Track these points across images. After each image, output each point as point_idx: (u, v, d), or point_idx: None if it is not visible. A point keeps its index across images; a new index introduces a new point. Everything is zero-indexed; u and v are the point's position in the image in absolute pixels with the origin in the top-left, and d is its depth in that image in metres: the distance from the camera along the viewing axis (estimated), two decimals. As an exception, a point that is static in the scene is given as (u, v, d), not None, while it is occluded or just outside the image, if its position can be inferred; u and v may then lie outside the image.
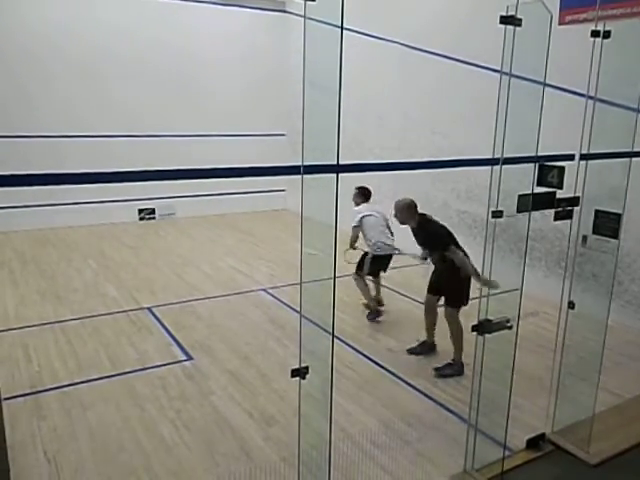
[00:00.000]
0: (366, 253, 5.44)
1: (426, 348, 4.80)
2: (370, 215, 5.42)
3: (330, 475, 2.70)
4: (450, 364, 4.45)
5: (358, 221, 5.38)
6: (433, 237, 4.47)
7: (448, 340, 4.47)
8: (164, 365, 4.52)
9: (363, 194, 5.58)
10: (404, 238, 5.06)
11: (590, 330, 3.55)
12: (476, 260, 3.31)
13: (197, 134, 10.03)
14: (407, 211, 4.51)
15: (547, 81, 2.90)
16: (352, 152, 8.22)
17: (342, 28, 2.17)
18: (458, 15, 7.17)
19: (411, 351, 4.80)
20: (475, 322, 3.05)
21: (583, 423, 3.53)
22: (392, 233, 5.50)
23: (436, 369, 4.45)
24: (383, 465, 3.32)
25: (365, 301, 5.66)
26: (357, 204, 5.53)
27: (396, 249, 5.43)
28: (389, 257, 5.49)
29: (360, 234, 5.43)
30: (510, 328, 3.06)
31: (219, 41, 10.15)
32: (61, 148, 8.89)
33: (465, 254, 4.38)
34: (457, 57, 7.15)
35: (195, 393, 4.10)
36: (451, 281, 4.40)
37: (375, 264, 5.44)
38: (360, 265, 5.47)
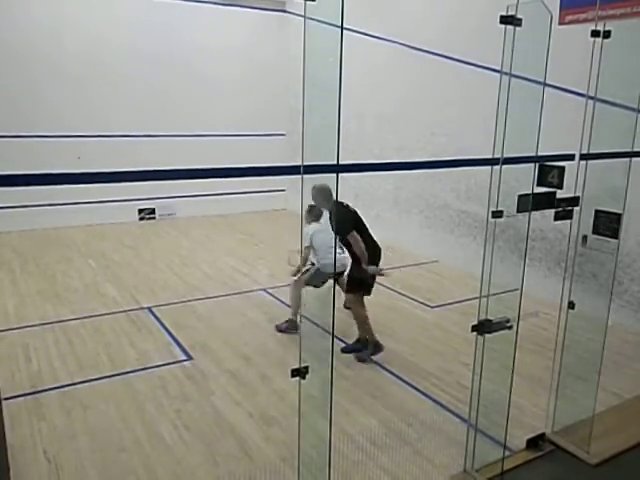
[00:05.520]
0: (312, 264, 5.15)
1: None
2: (320, 232, 4.95)
3: (330, 475, 2.70)
4: (357, 341, 4.77)
5: (309, 240, 4.98)
6: (338, 222, 4.50)
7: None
8: (164, 365, 4.52)
9: (314, 213, 5.08)
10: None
11: (590, 330, 3.54)
12: (476, 260, 3.30)
13: (197, 134, 10.03)
14: (320, 195, 4.54)
15: (547, 81, 2.90)
16: (353, 153, 8.23)
17: (342, 28, 2.17)
18: (458, 15, 7.17)
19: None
20: (475, 322, 3.05)
21: (583, 423, 3.53)
22: (343, 249, 4.96)
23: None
24: (383, 465, 3.32)
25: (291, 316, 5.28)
26: (308, 223, 5.08)
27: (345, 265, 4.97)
28: (339, 274, 5.04)
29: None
30: (510, 328, 3.06)
31: (219, 41, 10.13)
32: (61, 149, 8.89)
33: (374, 244, 4.65)
34: (457, 57, 7.15)
35: (195, 393, 4.10)
36: (352, 268, 4.68)
37: (319, 277, 5.02)
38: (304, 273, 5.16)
